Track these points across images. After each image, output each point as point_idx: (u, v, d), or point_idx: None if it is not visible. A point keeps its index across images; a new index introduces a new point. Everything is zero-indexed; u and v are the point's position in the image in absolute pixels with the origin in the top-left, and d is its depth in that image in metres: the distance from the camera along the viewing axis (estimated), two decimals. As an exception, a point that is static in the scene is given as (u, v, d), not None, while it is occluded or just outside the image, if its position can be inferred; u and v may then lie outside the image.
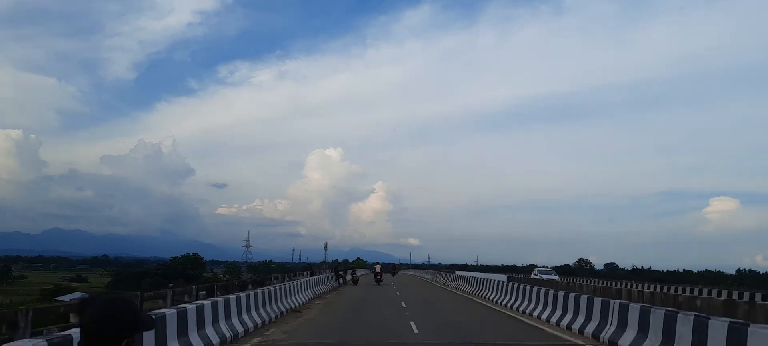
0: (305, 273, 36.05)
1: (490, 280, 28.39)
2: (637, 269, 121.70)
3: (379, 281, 46.55)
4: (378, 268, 53.15)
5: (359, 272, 68.57)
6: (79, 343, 1.93)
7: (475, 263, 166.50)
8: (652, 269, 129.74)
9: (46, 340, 5.69)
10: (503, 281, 25.82)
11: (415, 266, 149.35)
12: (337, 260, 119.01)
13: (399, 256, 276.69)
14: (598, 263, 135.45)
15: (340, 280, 38.98)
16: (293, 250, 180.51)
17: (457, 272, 54.91)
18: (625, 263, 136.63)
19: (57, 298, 34.90)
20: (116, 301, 2.00)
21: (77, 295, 34.60)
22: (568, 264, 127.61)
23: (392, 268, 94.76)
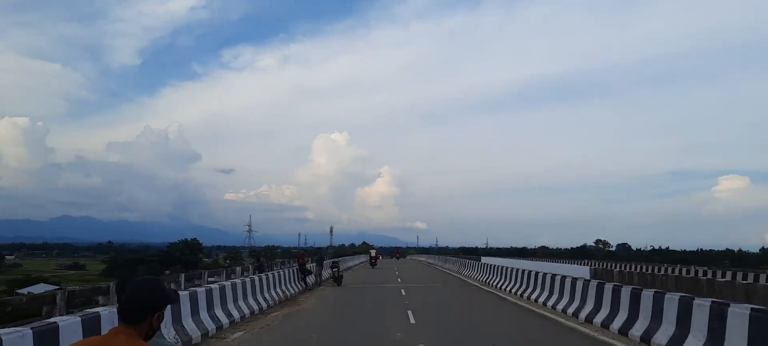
0: (243, 269, 22.90)
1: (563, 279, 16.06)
2: (655, 249, 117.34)
3: (373, 265, 50.18)
4: (373, 253, 57.82)
5: (356, 260, 59.06)
6: (119, 314, 2.30)
7: (485, 246, 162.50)
8: (670, 249, 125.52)
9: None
10: (587, 281, 14.34)
11: (423, 251, 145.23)
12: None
13: (406, 240, 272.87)
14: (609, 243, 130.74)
15: (307, 280, 23.62)
16: (299, 234, 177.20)
17: (483, 259, 41.21)
18: (636, 243, 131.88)
19: (18, 291, 31.90)
20: (148, 281, 2.43)
21: (41, 286, 31.13)
22: (585, 245, 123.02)
23: (396, 253, 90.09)
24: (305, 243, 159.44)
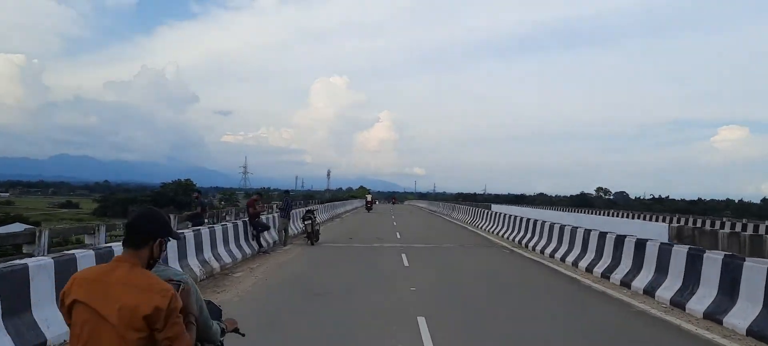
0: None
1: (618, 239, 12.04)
2: (656, 198, 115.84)
3: (369, 209, 51.70)
4: (369, 197, 58.35)
5: (348, 206, 51.15)
6: (123, 240, 2.44)
7: (483, 193, 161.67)
8: (670, 197, 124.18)
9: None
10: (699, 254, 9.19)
11: (421, 196, 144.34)
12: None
13: (404, 185, 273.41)
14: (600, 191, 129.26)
15: (262, 238, 16.46)
16: (296, 177, 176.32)
17: (494, 208, 36.78)
18: (633, 192, 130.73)
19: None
20: (149, 210, 2.56)
21: (15, 225, 29.84)
22: (583, 192, 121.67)
23: (392, 199, 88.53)
24: (302, 186, 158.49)
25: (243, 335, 3.19)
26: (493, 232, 24.73)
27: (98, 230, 12.07)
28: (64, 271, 6.52)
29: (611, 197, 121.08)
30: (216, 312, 2.92)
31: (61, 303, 2.38)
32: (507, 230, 22.50)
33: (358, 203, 62.79)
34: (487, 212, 29.13)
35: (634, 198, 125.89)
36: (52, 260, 6.54)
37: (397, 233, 24.04)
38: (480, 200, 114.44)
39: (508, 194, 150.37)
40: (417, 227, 29.60)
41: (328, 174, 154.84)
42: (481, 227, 28.03)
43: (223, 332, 2.85)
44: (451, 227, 30.54)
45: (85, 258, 7.06)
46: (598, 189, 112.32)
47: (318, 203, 37.55)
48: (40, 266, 6.34)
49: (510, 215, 23.45)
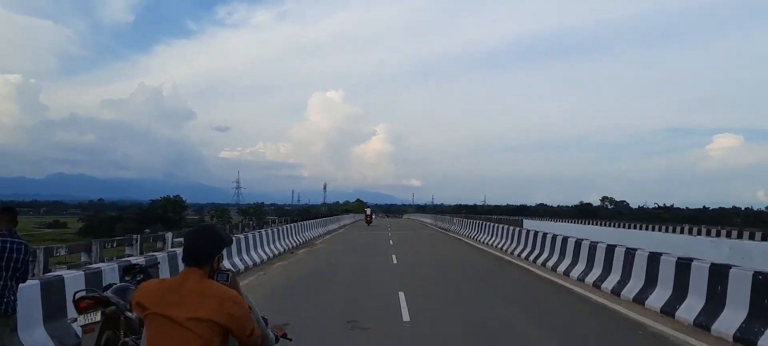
0: None
1: None
2: (661, 207, 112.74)
3: (369, 223, 50.31)
4: (368, 211, 57.25)
5: (337, 223, 43.12)
6: (183, 259, 2.56)
7: (482, 204, 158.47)
8: (675, 206, 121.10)
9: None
10: None
11: (420, 209, 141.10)
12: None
13: (402, 198, 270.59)
14: (600, 201, 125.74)
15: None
16: (292, 192, 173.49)
17: (526, 224, 29.61)
18: (633, 201, 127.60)
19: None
20: (207, 227, 2.71)
21: None
22: (583, 201, 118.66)
23: (387, 212, 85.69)
24: (298, 201, 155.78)
25: (290, 339, 3.15)
26: (551, 266, 15.57)
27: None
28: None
29: (612, 206, 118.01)
30: (264, 321, 2.87)
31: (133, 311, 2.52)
32: (567, 262, 14.56)
33: (349, 218, 59.21)
34: (517, 232, 21.00)
35: (636, 207, 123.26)
36: None
37: (397, 274, 14.55)
38: (481, 212, 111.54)
39: (508, 205, 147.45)
40: (427, 259, 19.10)
41: (325, 188, 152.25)
42: (520, 255, 19.00)
43: (276, 339, 2.88)
44: (483, 258, 19.99)
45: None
46: (604, 198, 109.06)
47: (287, 222, 27.09)
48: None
49: (547, 234, 17.19)
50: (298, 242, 24.38)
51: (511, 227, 22.85)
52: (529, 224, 30.34)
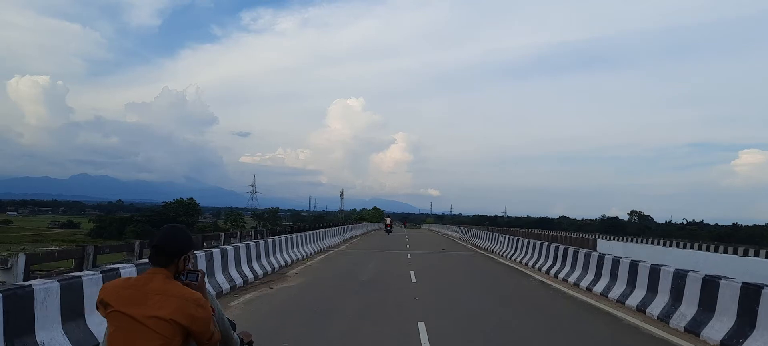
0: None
1: None
2: (689, 222, 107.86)
3: (389, 232, 51.27)
4: (388, 221, 57.91)
5: (350, 233, 39.11)
6: (149, 258, 2.53)
7: (503, 215, 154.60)
8: (704, 222, 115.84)
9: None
10: None
11: (439, 219, 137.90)
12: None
13: (419, 206, 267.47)
14: (623, 214, 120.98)
15: None
16: (309, 198, 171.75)
17: (600, 246, 22.07)
18: (656, 215, 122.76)
19: None
20: (175, 228, 2.61)
21: None
22: (605, 215, 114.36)
23: (404, 222, 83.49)
24: (315, 207, 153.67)
25: None
26: (658, 316, 9.61)
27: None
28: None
29: (624, 218, 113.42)
30: (231, 325, 2.85)
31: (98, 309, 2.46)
32: (689, 310, 8.89)
33: (361, 228, 51.15)
34: (593, 258, 13.95)
35: (663, 222, 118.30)
36: None
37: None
38: (501, 224, 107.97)
39: (528, 216, 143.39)
40: (473, 305, 10.97)
41: (342, 195, 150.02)
42: (600, 294, 12.39)
43: (242, 343, 2.86)
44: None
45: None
46: (632, 212, 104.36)
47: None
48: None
49: (637, 264, 11.21)
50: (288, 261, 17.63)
51: (582, 251, 15.20)
52: (603, 246, 22.04)
